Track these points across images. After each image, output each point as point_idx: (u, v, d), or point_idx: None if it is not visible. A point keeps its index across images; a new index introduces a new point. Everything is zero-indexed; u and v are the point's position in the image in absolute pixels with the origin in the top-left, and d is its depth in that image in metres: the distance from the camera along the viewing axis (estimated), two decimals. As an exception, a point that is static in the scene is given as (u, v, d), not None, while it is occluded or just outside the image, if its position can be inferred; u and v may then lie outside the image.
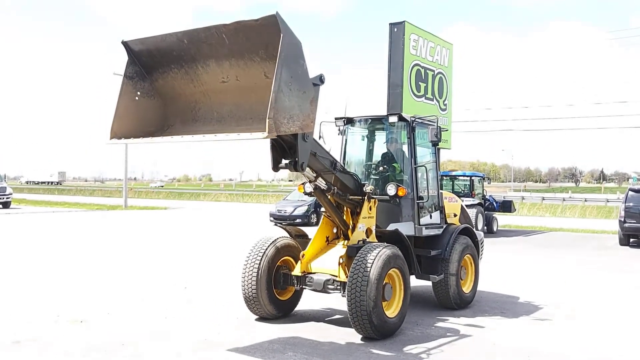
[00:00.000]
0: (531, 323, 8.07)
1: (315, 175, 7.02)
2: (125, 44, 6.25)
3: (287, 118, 5.31)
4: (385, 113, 10.09)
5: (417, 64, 20.43)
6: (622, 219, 19.37)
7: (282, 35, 5.21)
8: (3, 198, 34.54)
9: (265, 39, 5.39)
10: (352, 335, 7.11)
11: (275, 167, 6.51)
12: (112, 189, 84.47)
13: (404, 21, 19.79)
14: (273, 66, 5.21)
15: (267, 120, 5.04)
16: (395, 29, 19.77)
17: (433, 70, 21.52)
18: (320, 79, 6.06)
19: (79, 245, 16.77)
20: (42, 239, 18.50)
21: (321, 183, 7.18)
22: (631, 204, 19.30)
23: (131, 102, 6.23)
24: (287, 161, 6.38)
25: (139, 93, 6.29)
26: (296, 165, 6.26)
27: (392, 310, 7.16)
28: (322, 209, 7.99)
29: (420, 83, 20.63)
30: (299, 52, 5.52)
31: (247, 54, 5.73)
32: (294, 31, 5.41)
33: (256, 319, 7.83)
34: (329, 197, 7.47)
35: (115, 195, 56.94)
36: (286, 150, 6.34)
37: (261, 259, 7.68)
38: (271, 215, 26.25)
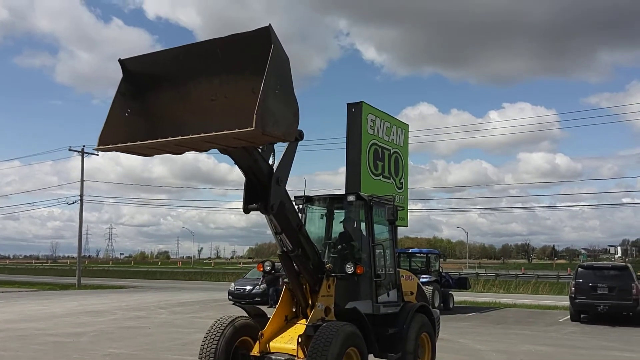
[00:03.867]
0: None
1: (280, 230, 7.16)
2: (121, 62, 6.37)
3: (273, 121, 5.41)
4: (343, 192, 10.40)
5: (374, 143, 21.00)
6: (573, 295, 19.86)
7: (272, 46, 5.43)
8: None
9: (256, 51, 5.57)
10: (311, 416, 7.07)
11: (246, 208, 6.69)
12: (65, 267, 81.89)
13: (361, 102, 20.40)
14: (261, 81, 5.34)
15: (255, 115, 5.08)
16: (353, 109, 20.34)
17: (389, 150, 22.14)
18: (300, 135, 6.32)
19: (31, 325, 16.23)
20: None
21: (285, 241, 7.33)
22: (581, 280, 19.85)
23: (121, 117, 6.29)
24: (257, 204, 6.57)
25: (129, 110, 6.35)
26: (267, 207, 6.47)
27: (350, 389, 7.18)
28: (285, 279, 8.06)
29: (377, 162, 21.15)
30: (286, 67, 5.75)
31: (238, 68, 5.89)
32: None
33: (214, 400, 7.72)
34: (293, 261, 7.58)
35: (68, 275, 55.32)
36: (258, 191, 6.55)
37: (219, 339, 7.65)
38: (230, 293, 25.92)
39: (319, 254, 8.00)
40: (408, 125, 24.16)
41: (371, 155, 20.71)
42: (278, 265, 7.86)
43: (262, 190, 6.54)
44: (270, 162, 6.73)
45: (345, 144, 20.41)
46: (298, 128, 6.31)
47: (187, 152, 6.41)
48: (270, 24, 5.53)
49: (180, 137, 5.75)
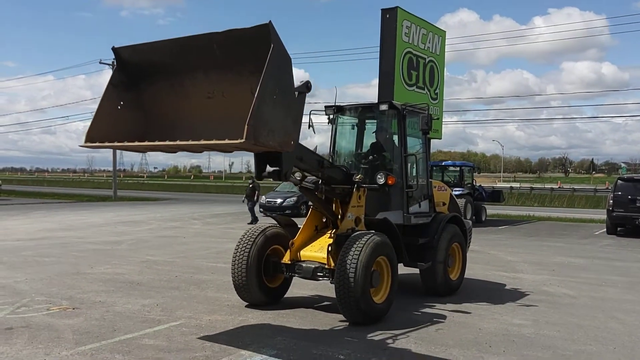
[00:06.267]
0: (516, 309, 8.21)
1: (300, 179, 7.21)
2: (115, 50, 6.15)
3: (268, 130, 5.14)
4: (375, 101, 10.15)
5: (409, 52, 20.39)
6: (611, 208, 19.61)
7: (272, 46, 5.10)
8: None
9: (255, 50, 5.24)
10: (340, 321, 7.22)
11: (259, 176, 6.62)
12: (101, 180, 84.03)
13: (396, 7, 19.68)
14: (259, 81, 5.04)
15: (246, 126, 4.84)
16: (388, 16, 19.68)
17: (424, 59, 21.50)
18: (307, 86, 6.04)
19: (71, 233, 16.79)
20: (36, 228, 18.51)
21: (308, 184, 7.30)
22: (620, 193, 19.54)
23: (112, 110, 6.07)
24: (270, 169, 6.43)
25: (122, 103, 6.14)
26: (280, 174, 6.35)
27: (379, 297, 7.27)
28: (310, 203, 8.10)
29: (412, 71, 20.61)
30: (287, 66, 5.42)
31: (235, 66, 5.62)
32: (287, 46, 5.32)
33: (246, 306, 7.93)
34: (317, 194, 7.60)
35: (104, 187, 56.98)
36: (270, 158, 6.35)
37: (251, 247, 7.77)
38: (261, 206, 26.29)
39: (347, 172, 7.94)
40: (445, 32, 23.30)
41: (405, 65, 20.16)
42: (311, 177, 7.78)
43: (274, 156, 6.26)
44: None
45: (378, 53, 19.92)
46: (305, 97, 5.99)
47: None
48: (270, 21, 5.12)
49: (169, 143, 5.57)
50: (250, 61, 5.40)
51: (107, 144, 5.88)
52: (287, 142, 5.52)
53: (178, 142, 5.53)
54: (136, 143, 5.87)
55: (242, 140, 4.84)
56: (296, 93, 5.77)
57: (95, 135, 5.89)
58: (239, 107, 5.34)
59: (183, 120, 6.14)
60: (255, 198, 21.55)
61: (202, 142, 5.36)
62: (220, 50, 5.56)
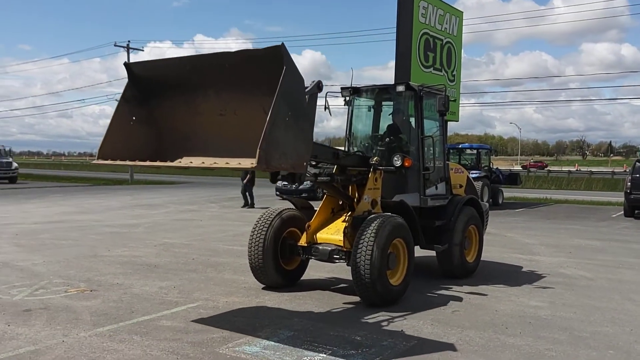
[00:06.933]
0: (533, 291, 8.16)
1: (315, 175, 7.32)
2: (127, 65, 6.17)
3: (280, 153, 5.13)
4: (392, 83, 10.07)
5: (426, 33, 20.19)
6: (629, 190, 19.41)
7: (284, 68, 5.07)
8: (9, 173, 34.80)
9: (268, 71, 5.21)
10: (356, 303, 7.23)
11: (274, 179, 6.68)
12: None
13: None
14: (272, 101, 5.02)
15: (258, 150, 4.84)
16: None
17: (442, 40, 21.29)
18: (318, 86, 5.99)
19: (88, 217, 16.95)
20: (53, 211, 18.70)
21: (323, 178, 7.37)
22: (638, 175, 19.31)
23: (125, 125, 6.10)
24: (285, 173, 6.43)
25: (134, 118, 6.16)
26: (294, 177, 6.39)
27: (396, 279, 7.26)
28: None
29: (428, 53, 20.42)
30: (300, 88, 5.39)
31: (248, 86, 5.62)
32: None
33: (263, 288, 7.96)
34: (334, 185, 7.66)
35: (120, 170, 57.45)
36: None
37: (267, 230, 7.78)
38: (277, 189, 26.31)
39: (363, 156, 7.96)
40: (462, 12, 23.04)
41: (422, 46, 19.98)
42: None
43: None
44: None
45: (395, 35, 19.75)
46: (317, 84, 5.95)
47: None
48: (283, 43, 5.08)
49: (181, 164, 5.69)
50: (262, 81, 5.40)
51: (119, 162, 5.93)
52: (300, 164, 5.56)
53: (190, 164, 5.63)
54: (148, 163, 5.93)
55: (254, 165, 4.90)
56: (307, 97, 5.73)
57: (108, 152, 5.96)
58: (251, 125, 5.40)
59: (195, 136, 6.17)
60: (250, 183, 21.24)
61: (214, 164, 5.44)
62: (232, 70, 5.58)
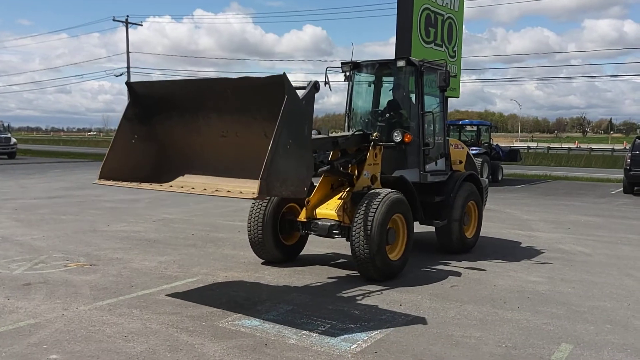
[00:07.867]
0: (531, 266, 8.19)
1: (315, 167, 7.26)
2: (129, 85, 6.19)
3: (281, 181, 5.19)
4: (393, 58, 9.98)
5: (427, 8, 19.98)
6: (628, 167, 19.40)
7: (286, 97, 5.09)
8: (8, 149, 34.75)
9: (269, 98, 5.27)
10: (356, 278, 7.26)
11: None
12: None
13: None
14: (274, 126, 5.06)
15: (260, 181, 4.92)
16: None
17: (443, 15, 21.07)
18: (315, 87, 5.96)
19: (87, 192, 16.94)
20: (52, 187, 18.70)
21: (324, 167, 7.37)
22: (637, 152, 19.30)
23: (127, 144, 6.14)
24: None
25: (136, 136, 6.19)
26: None
27: (395, 254, 7.27)
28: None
29: (429, 28, 20.22)
30: (301, 115, 5.41)
31: (249, 111, 5.66)
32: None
33: (262, 263, 7.98)
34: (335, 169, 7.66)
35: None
36: None
37: (267, 205, 7.77)
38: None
39: (363, 135, 7.94)
40: (464, -13, 22.77)
41: (423, 21, 19.78)
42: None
43: None
44: None
45: (395, 9, 19.56)
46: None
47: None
48: (284, 73, 5.10)
49: (182, 190, 5.71)
50: (263, 107, 5.48)
51: (120, 183, 5.96)
52: (300, 190, 5.62)
53: (192, 191, 5.65)
54: (150, 186, 5.97)
55: (255, 195, 4.96)
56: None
57: (110, 172, 5.99)
58: (253, 147, 5.51)
59: (197, 155, 6.23)
60: None
61: (216, 193, 5.45)
62: (234, 96, 5.62)
